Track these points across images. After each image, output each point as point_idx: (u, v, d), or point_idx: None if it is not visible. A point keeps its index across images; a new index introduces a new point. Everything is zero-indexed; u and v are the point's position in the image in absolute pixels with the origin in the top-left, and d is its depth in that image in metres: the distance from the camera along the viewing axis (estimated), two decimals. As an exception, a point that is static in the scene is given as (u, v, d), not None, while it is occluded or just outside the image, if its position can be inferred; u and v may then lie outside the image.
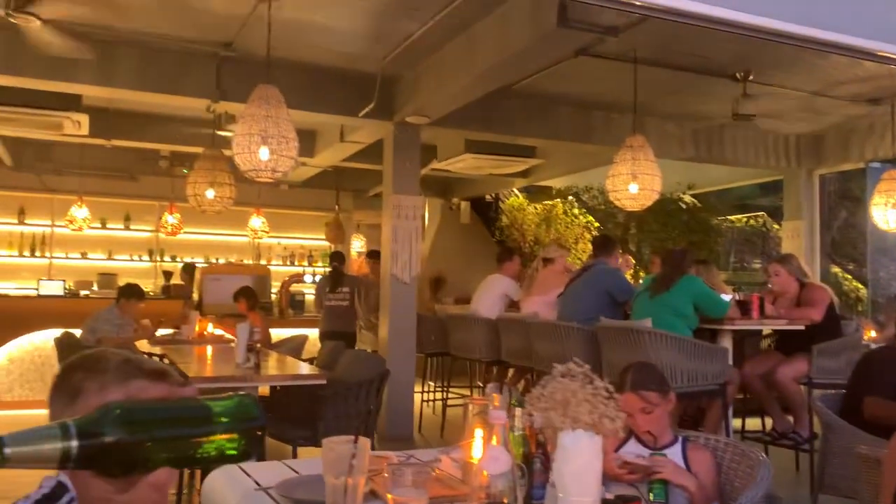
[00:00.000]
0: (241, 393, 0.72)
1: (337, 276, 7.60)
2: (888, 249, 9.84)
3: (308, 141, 8.04)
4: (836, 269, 11.41)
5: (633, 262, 7.89)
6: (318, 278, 9.06)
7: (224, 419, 0.68)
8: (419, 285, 7.03)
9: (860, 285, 11.51)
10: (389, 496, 1.49)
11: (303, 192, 10.50)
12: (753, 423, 5.62)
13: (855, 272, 11.83)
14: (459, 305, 8.73)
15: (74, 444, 0.60)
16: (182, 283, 9.15)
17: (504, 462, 1.18)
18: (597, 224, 11.26)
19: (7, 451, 0.58)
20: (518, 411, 1.56)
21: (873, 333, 5.95)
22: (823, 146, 8.14)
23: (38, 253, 9.51)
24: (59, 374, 1.36)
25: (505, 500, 1.18)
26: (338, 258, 7.90)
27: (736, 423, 5.18)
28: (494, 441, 1.22)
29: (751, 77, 6.04)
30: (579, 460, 1.24)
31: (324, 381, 4.13)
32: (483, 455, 1.21)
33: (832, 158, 8.12)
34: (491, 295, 6.67)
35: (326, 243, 10.92)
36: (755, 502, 2.00)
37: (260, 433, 0.71)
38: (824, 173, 8.54)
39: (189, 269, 9.22)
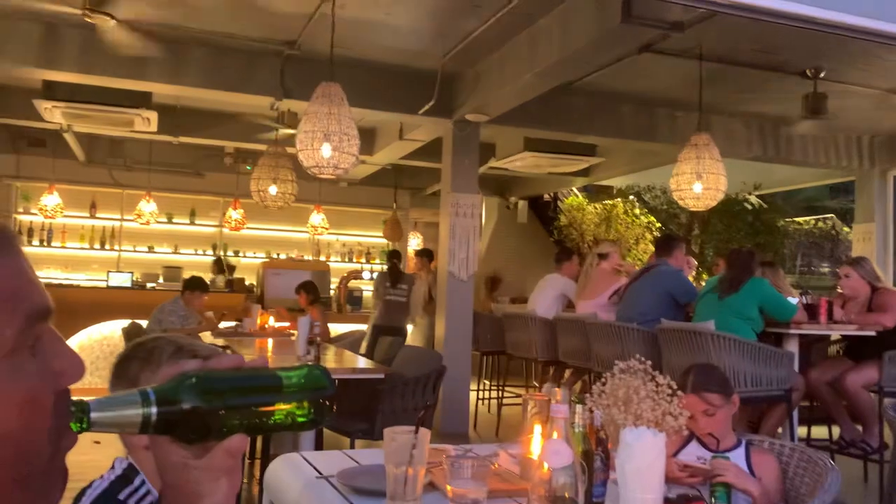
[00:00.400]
0: (311, 363, 0.74)
1: (396, 273, 7.80)
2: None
3: (367, 139, 8.13)
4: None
5: (696, 263, 7.73)
6: (375, 275, 9.19)
7: (294, 388, 0.70)
8: (475, 284, 7.03)
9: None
10: (449, 487, 1.49)
11: (361, 190, 10.62)
12: (820, 432, 5.44)
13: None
14: (516, 305, 8.71)
15: (153, 410, 0.63)
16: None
17: (566, 456, 1.17)
18: (658, 224, 11.07)
19: (93, 415, 0.61)
20: (578, 408, 1.54)
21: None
22: (898, 146, 7.83)
23: (107, 246, 9.84)
24: (117, 364, 1.43)
25: (567, 495, 1.17)
26: (396, 256, 8.11)
27: (801, 431, 5.03)
28: (556, 435, 1.21)
29: (822, 74, 5.86)
30: (642, 457, 1.22)
31: (382, 376, 4.17)
32: (544, 449, 1.20)
33: (908, 158, 7.81)
34: (548, 294, 6.63)
35: (384, 240, 11.02)
36: (823, 510, 1.93)
37: (328, 402, 0.72)
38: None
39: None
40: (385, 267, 8.17)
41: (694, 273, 7.44)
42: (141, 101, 6.42)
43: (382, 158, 8.72)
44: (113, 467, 1.33)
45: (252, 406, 0.68)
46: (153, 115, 6.69)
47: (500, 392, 6.95)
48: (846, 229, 11.16)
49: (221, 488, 0.68)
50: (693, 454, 2.21)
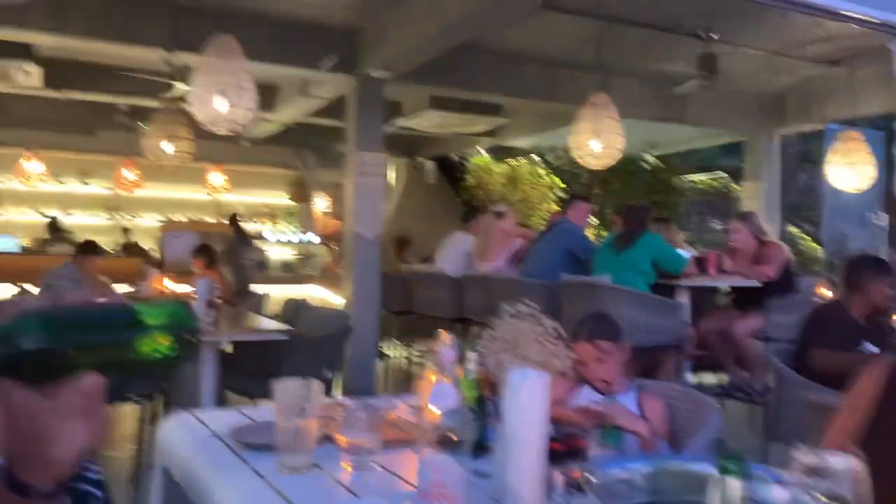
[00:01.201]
0: (175, 300, 0.71)
1: (246, 237, 7.85)
2: (843, 209, 10.05)
3: (269, 96, 7.88)
4: (793, 230, 11.63)
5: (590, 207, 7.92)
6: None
7: (154, 324, 0.66)
8: (385, 245, 7.00)
9: (817, 245, 11.76)
10: (342, 438, 1.49)
11: (265, 150, 10.32)
12: (710, 378, 5.74)
13: (812, 233, 12.07)
14: (425, 265, 8.74)
15: None
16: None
17: (451, 398, 1.18)
18: (562, 185, 11.30)
19: None
20: (470, 355, 1.56)
21: (825, 291, 6.07)
22: (784, 107, 8.19)
23: (-10, 208, 9.27)
24: None
25: (453, 436, 1.19)
26: (238, 218, 8.36)
27: (693, 378, 5.28)
28: (443, 379, 1.22)
29: (714, 35, 6.04)
30: (527, 397, 1.25)
31: (285, 337, 4.11)
32: (431, 392, 1.21)
33: (793, 120, 8.19)
34: (455, 252, 6.68)
35: (290, 202, 10.81)
36: (704, 446, 2.04)
37: (193, 340, 0.69)
38: (785, 134, 8.62)
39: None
40: (232, 230, 8.15)
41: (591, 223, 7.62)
42: (20, 52, 6.01)
43: (285, 116, 8.50)
44: None
45: (105, 344, 0.64)
46: (35, 69, 6.27)
47: (409, 351, 7.00)
48: (736, 187, 11.69)
49: (77, 431, 0.64)
50: (586, 399, 2.28)
